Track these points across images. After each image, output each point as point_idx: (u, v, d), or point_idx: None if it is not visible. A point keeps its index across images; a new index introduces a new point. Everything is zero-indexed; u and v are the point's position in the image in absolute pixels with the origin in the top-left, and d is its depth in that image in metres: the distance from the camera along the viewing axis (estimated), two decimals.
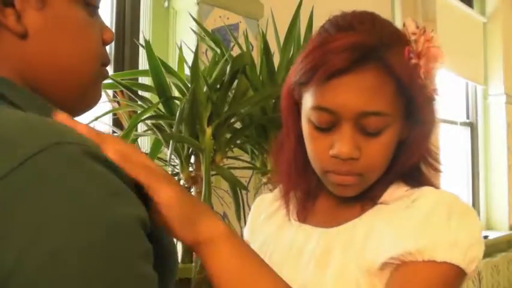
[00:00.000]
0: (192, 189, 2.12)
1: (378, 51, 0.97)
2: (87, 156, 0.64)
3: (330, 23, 1.05)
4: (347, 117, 0.98)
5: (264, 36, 2.16)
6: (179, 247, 2.35)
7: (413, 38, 1.01)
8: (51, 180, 0.60)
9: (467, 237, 0.95)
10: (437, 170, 1.09)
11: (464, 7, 5.55)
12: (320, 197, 1.17)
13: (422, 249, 0.93)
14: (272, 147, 1.24)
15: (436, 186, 1.07)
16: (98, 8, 0.85)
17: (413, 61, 1.00)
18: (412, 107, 1.01)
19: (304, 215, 1.16)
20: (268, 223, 1.23)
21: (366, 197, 1.08)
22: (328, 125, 1.00)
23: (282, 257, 1.11)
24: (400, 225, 0.99)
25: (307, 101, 1.03)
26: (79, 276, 0.58)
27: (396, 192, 1.07)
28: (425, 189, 1.05)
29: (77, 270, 0.58)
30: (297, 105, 1.10)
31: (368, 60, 0.96)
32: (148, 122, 2.01)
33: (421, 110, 1.02)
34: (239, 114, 2.06)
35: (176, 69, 2.12)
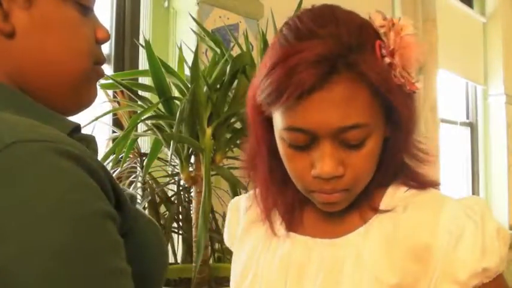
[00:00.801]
0: (192, 189, 2.12)
1: (346, 58, 0.88)
2: (50, 152, 0.64)
3: (288, 29, 0.95)
4: (325, 135, 0.90)
5: (264, 36, 2.16)
6: (179, 247, 2.35)
7: (382, 31, 0.93)
8: (6, 181, 0.60)
9: (501, 243, 0.95)
10: (424, 161, 1.04)
11: (464, 7, 5.56)
12: (308, 206, 1.08)
13: (486, 269, 0.93)
14: (242, 163, 1.13)
15: (433, 182, 1.04)
16: (91, 8, 0.84)
17: (387, 60, 0.92)
18: (391, 108, 0.94)
19: (295, 226, 1.07)
20: (248, 237, 1.14)
21: (363, 203, 1.02)
22: (304, 143, 0.93)
23: (278, 274, 1.03)
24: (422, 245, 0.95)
25: (278, 121, 0.95)
26: (44, 276, 0.58)
27: (396, 195, 1.02)
28: (434, 197, 1.01)
29: (42, 270, 0.58)
30: (266, 118, 1.00)
31: (338, 70, 0.87)
32: (149, 122, 2.01)
33: (401, 109, 0.94)
34: (239, 114, 2.06)
35: (176, 69, 2.12)
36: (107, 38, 0.87)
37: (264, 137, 1.03)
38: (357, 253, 0.97)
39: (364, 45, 0.90)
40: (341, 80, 0.88)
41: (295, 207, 1.08)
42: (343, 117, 0.89)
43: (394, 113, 0.95)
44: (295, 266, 1.01)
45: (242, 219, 1.18)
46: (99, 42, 0.87)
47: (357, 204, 1.01)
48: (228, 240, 1.24)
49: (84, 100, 0.87)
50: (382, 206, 1.01)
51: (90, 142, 0.81)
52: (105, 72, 0.92)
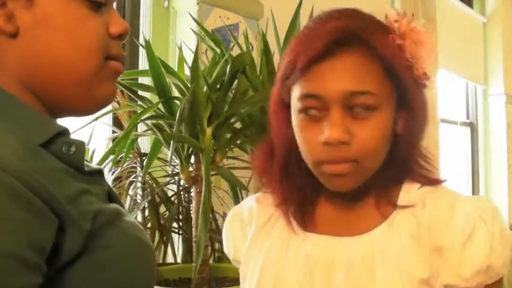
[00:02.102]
0: (192, 189, 2.12)
1: (360, 35, 0.95)
2: None
3: (310, 21, 1.04)
4: (335, 100, 0.95)
5: (264, 36, 2.16)
6: (179, 247, 2.35)
7: (396, 25, 1.00)
8: None
9: (505, 246, 0.97)
10: (429, 160, 1.08)
11: (464, 7, 5.56)
12: (320, 204, 1.10)
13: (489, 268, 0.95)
14: (257, 156, 1.16)
15: (440, 179, 1.07)
16: (102, 2, 0.83)
17: (398, 42, 0.98)
18: (402, 89, 0.99)
19: (311, 224, 1.08)
20: (261, 239, 1.12)
21: (380, 199, 1.04)
22: (317, 112, 0.97)
23: (304, 275, 1.02)
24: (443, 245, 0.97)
25: (295, 93, 1.00)
26: None
27: (411, 191, 1.04)
28: (449, 194, 1.04)
29: None
30: (286, 107, 1.06)
31: (350, 43, 0.95)
32: (148, 122, 2.01)
33: (412, 93, 1.00)
34: (239, 114, 2.06)
35: (176, 69, 2.12)
36: (121, 32, 0.85)
37: (283, 128, 1.07)
38: (384, 249, 0.98)
39: (377, 33, 0.98)
40: (353, 51, 0.95)
41: (307, 200, 1.10)
42: (353, 82, 0.95)
43: (405, 97, 1.00)
44: (321, 266, 1.02)
45: (253, 225, 1.16)
46: (112, 36, 0.85)
47: (374, 200, 1.04)
48: (233, 254, 1.21)
49: (99, 98, 0.85)
50: (401, 202, 1.02)
51: (77, 147, 0.79)
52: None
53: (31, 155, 0.72)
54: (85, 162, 0.83)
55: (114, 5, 0.89)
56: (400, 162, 1.03)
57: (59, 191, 0.70)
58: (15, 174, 0.65)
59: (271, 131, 1.12)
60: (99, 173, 0.86)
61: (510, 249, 0.97)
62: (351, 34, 0.95)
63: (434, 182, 1.06)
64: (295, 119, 1.02)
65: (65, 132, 0.80)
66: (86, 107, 0.85)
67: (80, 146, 0.80)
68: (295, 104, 1.00)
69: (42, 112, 0.81)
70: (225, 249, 1.24)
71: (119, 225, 0.79)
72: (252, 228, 1.16)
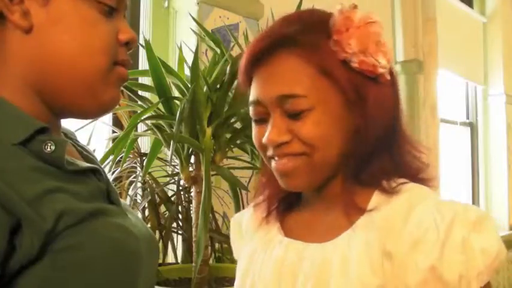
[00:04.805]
0: (192, 189, 2.12)
1: (292, 37, 0.97)
2: None
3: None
4: (270, 104, 0.98)
5: None
6: (179, 247, 2.35)
7: (340, 20, 0.98)
8: None
9: (493, 250, 0.89)
10: (419, 159, 1.03)
11: (464, 7, 5.56)
12: (300, 208, 1.10)
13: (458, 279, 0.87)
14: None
15: (426, 179, 1.02)
16: (114, 8, 0.85)
17: (334, 38, 0.96)
18: (342, 87, 0.97)
19: (289, 230, 1.08)
20: (250, 242, 1.15)
21: (347, 203, 1.00)
22: (262, 116, 1.01)
23: (273, 278, 1.03)
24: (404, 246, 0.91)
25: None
26: None
27: (383, 195, 0.98)
28: (412, 197, 0.96)
29: None
30: None
31: (281, 46, 0.97)
32: (148, 122, 2.01)
33: (357, 88, 0.97)
34: (239, 114, 2.06)
35: (176, 69, 2.12)
36: (129, 39, 0.88)
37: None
38: (343, 257, 0.95)
39: (316, 29, 0.98)
40: (282, 55, 0.97)
41: (288, 207, 1.11)
42: (284, 86, 0.97)
43: (352, 95, 0.97)
44: (288, 271, 1.01)
45: (248, 231, 1.19)
46: (121, 43, 0.87)
47: (344, 206, 1.00)
48: (235, 255, 1.26)
49: (102, 102, 0.86)
50: (370, 207, 0.98)
51: (57, 145, 0.79)
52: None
53: None
54: (74, 160, 0.83)
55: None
56: (368, 165, 0.99)
57: (18, 189, 0.70)
58: None
59: None
60: (93, 172, 0.86)
61: (486, 264, 0.88)
62: (282, 37, 0.97)
63: (417, 182, 1.00)
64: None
65: (44, 130, 0.80)
66: (89, 110, 0.86)
67: (60, 143, 0.79)
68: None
69: (37, 111, 0.82)
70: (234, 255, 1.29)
71: (92, 225, 0.77)
72: (247, 234, 1.19)
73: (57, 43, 0.80)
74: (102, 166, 0.98)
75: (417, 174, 1.02)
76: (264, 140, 0.99)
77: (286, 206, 1.12)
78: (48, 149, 0.78)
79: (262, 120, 1.01)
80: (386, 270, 0.91)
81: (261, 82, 1.00)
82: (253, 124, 1.04)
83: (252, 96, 1.01)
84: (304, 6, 2.24)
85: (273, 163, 1.01)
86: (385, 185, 0.99)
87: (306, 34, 0.97)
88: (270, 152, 1.01)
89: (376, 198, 0.98)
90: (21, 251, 0.69)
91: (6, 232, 0.68)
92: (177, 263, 2.33)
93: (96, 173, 0.86)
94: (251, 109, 1.02)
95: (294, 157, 0.98)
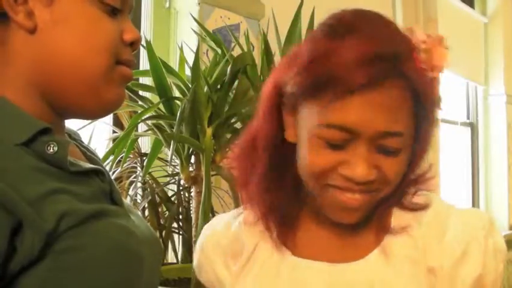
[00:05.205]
0: (192, 189, 2.12)
1: (396, 63, 0.86)
2: None
3: (329, 27, 0.92)
4: (366, 136, 0.87)
5: (265, 36, 2.16)
6: (180, 246, 2.35)
7: (423, 46, 0.94)
8: None
9: (498, 260, 0.95)
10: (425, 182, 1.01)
11: (465, 7, 5.55)
12: (303, 223, 1.02)
13: None
14: (236, 164, 1.06)
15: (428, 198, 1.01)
16: (118, 8, 0.85)
17: (431, 74, 0.93)
18: (424, 123, 0.93)
19: (296, 247, 1.00)
20: (252, 263, 1.02)
21: (372, 223, 0.97)
22: (341, 142, 0.88)
23: None
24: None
25: (313, 116, 0.90)
26: None
27: (403, 213, 0.98)
28: (441, 213, 0.98)
29: None
30: (278, 107, 0.97)
31: (389, 73, 0.86)
32: (149, 122, 2.02)
33: (430, 129, 0.95)
34: (240, 114, 2.06)
35: (177, 70, 2.12)
36: (134, 39, 0.88)
37: (272, 133, 0.99)
38: (382, 275, 0.93)
39: (407, 54, 0.89)
40: (392, 84, 0.86)
41: (289, 222, 1.01)
42: (390, 122, 0.87)
43: (422, 129, 0.94)
44: None
45: (243, 254, 1.03)
46: (126, 43, 0.87)
47: (369, 224, 0.98)
48: (207, 282, 1.10)
49: (105, 101, 0.86)
50: (394, 224, 0.97)
51: (60, 146, 0.79)
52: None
53: (0, 154, 0.73)
54: (76, 161, 0.83)
55: None
56: (400, 187, 0.97)
57: (20, 190, 0.70)
58: None
59: (254, 129, 1.02)
60: (96, 173, 0.86)
61: (502, 261, 0.94)
62: (389, 62, 0.86)
63: (424, 182, 1.01)
64: (305, 140, 0.92)
65: (47, 131, 0.80)
66: (92, 109, 0.87)
67: (63, 144, 0.80)
68: (312, 126, 0.90)
69: (40, 112, 0.82)
70: (198, 277, 1.13)
71: (94, 227, 0.77)
72: (241, 257, 1.04)
73: (60, 43, 0.81)
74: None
75: (422, 175, 1.01)
76: (351, 174, 0.88)
77: (282, 220, 1.01)
78: (51, 150, 0.78)
79: (336, 146, 0.88)
80: (431, 286, 0.92)
81: (358, 110, 0.86)
82: (317, 147, 0.90)
83: (340, 120, 0.87)
84: (305, 7, 2.24)
85: (336, 194, 0.91)
86: (404, 201, 0.98)
87: (406, 59, 0.88)
88: (335, 182, 0.90)
89: (398, 214, 0.98)
90: (22, 252, 0.70)
91: (7, 232, 0.68)
92: (177, 263, 2.33)
93: (99, 173, 0.86)
94: (327, 132, 0.88)
95: (369, 193, 0.91)
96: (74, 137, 0.98)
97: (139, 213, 2.19)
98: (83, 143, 1.00)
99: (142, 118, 1.90)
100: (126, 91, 2.03)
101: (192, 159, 2.09)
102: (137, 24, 2.64)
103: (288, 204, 1.00)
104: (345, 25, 0.90)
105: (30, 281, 0.71)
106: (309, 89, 0.89)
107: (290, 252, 0.99)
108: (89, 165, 0.86)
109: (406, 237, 0.95)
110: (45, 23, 0.80)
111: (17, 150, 0.76)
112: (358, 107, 0.86)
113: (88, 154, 0.96)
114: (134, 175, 2.32)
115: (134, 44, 0.89)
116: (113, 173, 2.17)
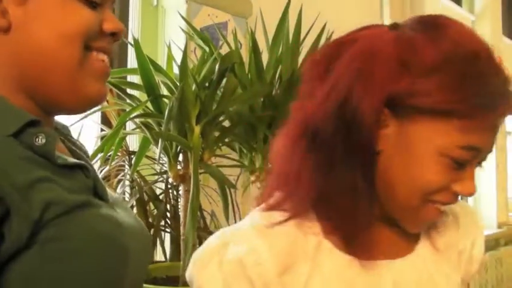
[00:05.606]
0: (180, 187, 2.12)
1: None
2: None
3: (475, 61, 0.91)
4: (482, 155, 0.92)
5: (252, 34, 2.16)
6: (168, 244, 2.35)
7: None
8: None
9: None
10: None
11: (452, 5, 5.59)
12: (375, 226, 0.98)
13: None
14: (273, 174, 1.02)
15: None
16: (97, 2, 0.85)
17: None
18: None
19: (364, 251, 0.96)
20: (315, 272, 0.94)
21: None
22: (466, 161, 0.90)
23: None
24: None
25: (444, 135, 0.88)
26: None
27: None
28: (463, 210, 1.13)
29: None
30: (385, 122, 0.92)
31: None
32: (137, 120, 2.01)
33: None
34: (228, 112, 2.06)
35: (165, 68, 2.12)
36: (114, 29, 0.87)
37: (369, 143, 0.92)
38: (436, 266, 1.04)
39: None
40: None
41: (367, 224, 0.95)
42: (494, 140, 0.94)
43: None
44: None
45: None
46: (105, 33, 0.87)
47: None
48: None
49: (88, 95, 0.86)
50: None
51: (48, 138, 0.80)
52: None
53: None
54: (62, 156, 0.83)
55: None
56: None
57: (8, 178, 0.71)
58: None
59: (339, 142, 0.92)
60: (81, 168, 0.86)
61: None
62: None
63: None
64: (421, 153, 0.90)
65: (35, 123, 0.80)
66: (74, 104, 0.86)
67: (52, 136, 0.81)
68: (445, 146, 0.89)
69: (27, 108, 0.82)
70: None
71: (79, 216, 0.77)
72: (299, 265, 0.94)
73: (35, 39, 0.81)
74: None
75: None
76: (464, 191, 0.92)
77: (363, 225, 0.95)
78: (39, 142, 0.79)
79: (461, 165, 0.90)
80: (459, 266, 1.09)
81: (492, 132, 0.91)
82: (443, 167, 0.90)
83: (480, 143, 0.90)
84: (292, 5, 2.25)
85: (434, 209, 0.94)
86: None
87: None
88: (442, 198, 0.93)
89: None
90: (10, 239, 0.70)
91: None
92: (165, 261, 2.33)
93: (83, 168, 0.86)
94: (466, 152, 0.89)
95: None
96: (62, 131, 0.98)
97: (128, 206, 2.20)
98: (72, 138, 1.00)
99: (131, 116, 1.90)
100: (115, 89, 2.04)
101: (180, 157, 2.09)
102: (125, 22, 2.64)
103: (364, 213, 0.94)
104: (489, 60, 0.94)
105: (18, 269, 0.72)
106: (460, 110, 0.87)
107: (355, 258, 0.96)
108: (73, 160, 0.86)
109: (439, 224, 1.06)
110: (19, 21, 0.80)
111: (6, 140, 0.76)
112: (490, 129, 0.90)
113: (73, 148, 0.96)
114: (122, 173, 2.32)
115: (116, 35, 0.88)
116: (101, 171, 2.17)
